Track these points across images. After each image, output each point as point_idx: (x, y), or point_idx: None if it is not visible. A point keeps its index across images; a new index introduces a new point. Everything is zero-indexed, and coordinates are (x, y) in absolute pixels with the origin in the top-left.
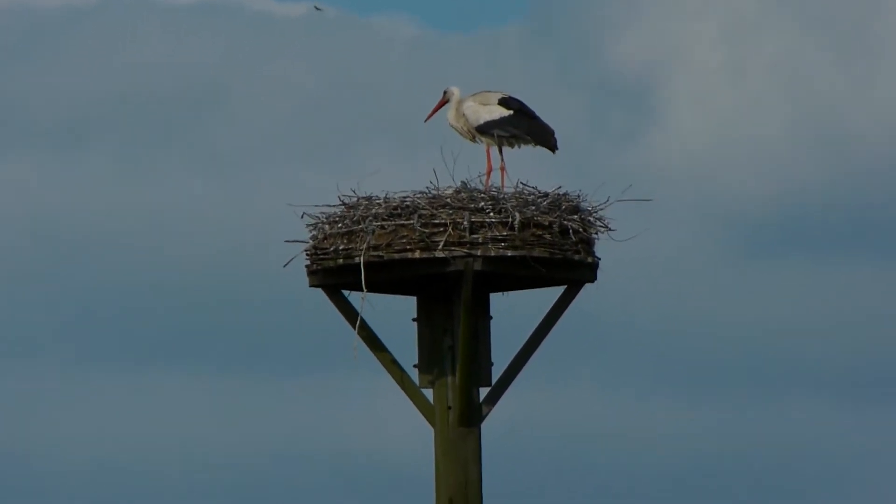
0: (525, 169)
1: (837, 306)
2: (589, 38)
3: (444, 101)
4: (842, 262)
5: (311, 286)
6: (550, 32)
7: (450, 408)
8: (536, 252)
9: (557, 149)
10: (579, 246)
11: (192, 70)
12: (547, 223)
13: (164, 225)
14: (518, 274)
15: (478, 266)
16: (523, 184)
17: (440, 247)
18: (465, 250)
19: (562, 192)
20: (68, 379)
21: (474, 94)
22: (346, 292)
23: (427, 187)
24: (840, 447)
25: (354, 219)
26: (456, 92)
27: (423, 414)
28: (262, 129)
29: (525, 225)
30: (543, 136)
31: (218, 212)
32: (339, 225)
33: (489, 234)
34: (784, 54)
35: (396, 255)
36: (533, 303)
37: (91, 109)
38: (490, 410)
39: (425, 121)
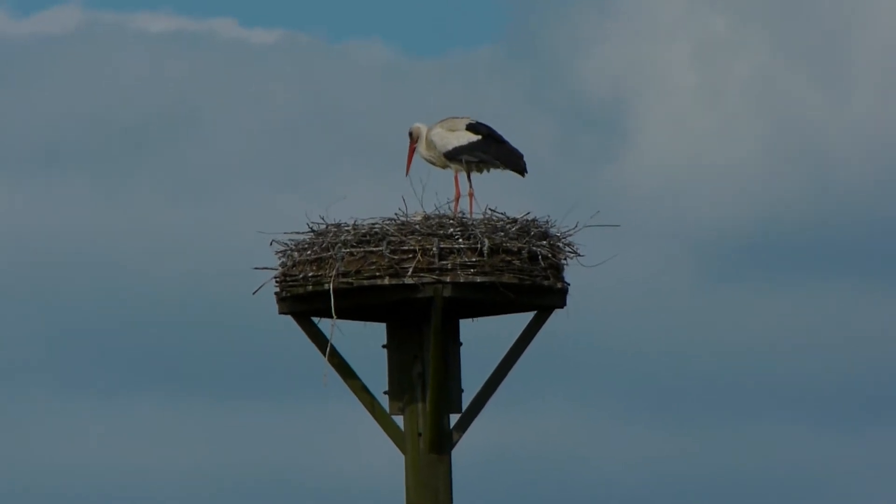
0: (494, 195)
1: (812, 328)
2: (560, 60)
3: (414, 143)
4: (817, 283)
5: (280, 313)
6: (522, 56)
7: (420, 434)
8: (506, 278)
9: (527, 172)
10: (548, 272)
11: (165, 96)
12: (516, 249)
13: (134, 251)
14: (487, 300)
15: (447, 292)
16: (492, 210)
17: (409, 273)
18: (435, 276)
19: (531, 217)
20: (35, 403)
21: (442, 121)
22: (315, 319)
23: (396, 214)
24: (815, 469)
25: (323, 245)
26: (422, 127)
27: (394, 441)
28: (234, 156)
29: (494, 251)
30: (512, 160)
31: (188, 238)
32: (309, 252)
33: (458, 261)
34: (757, 75)
35: (366, 282)
36: (503, 329)
37: (64, 134)
38: (461, 437)
39: (406, 174)
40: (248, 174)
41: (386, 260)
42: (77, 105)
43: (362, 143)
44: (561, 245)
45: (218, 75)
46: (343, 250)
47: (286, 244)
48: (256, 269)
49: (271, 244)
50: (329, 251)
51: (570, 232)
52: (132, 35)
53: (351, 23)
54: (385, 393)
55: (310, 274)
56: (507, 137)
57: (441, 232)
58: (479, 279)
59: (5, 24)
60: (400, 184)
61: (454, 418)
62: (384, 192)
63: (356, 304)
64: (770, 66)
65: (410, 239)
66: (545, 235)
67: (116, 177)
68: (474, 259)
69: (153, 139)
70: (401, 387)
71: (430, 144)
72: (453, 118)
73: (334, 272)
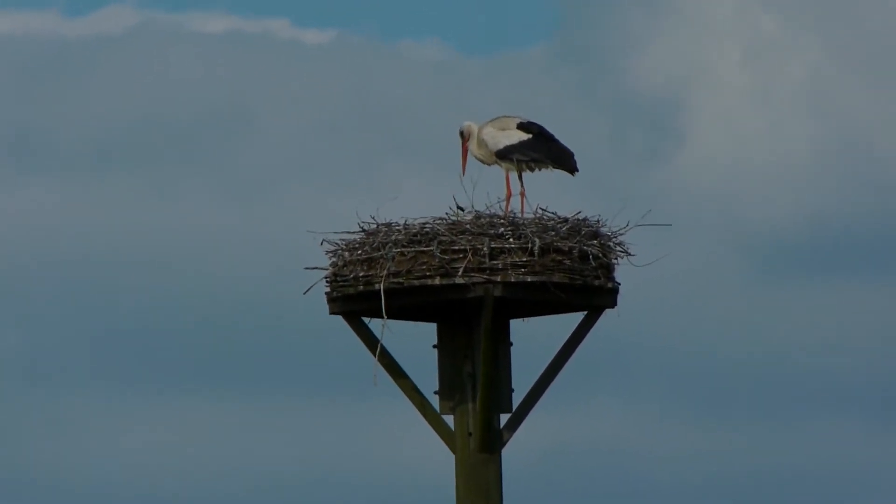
0: (545, 193)
1: (860, 329)
2: (612, 60)
3: (466, 142)
4: (865, 285)
5: (331, 313)
6: (574, 55)
7: (470, 434)
8: (556, 278)
9: (577, 171)
10: (599, 271)
11: (218, 96)
12: (567, 248)
13: (185, 251)
14: (538, 300)
15: (498, 292)
16: (543, 209)
17: (460, 273)
18: (485, 276)
19: (581, 217)
20: (83, 404)
21: (492, 120)
22: (366, 319)
23: (446, 213)
24: (864, 468)
25: (374, 245)
26: (473, 126)
27: (444, 440)
28: (286, 155)
29: (545, 250)
30: (563, 159)
31: (240, 237)
32: (359, 252)
33: (509, 260)
34: (808, 75)
35: (416, 282)
36: (553, 328)
37: (117, 134)
38: (511, 437)
39: (462, 174)
40: (299, 174)
41: (436, 260)
42: (130, 105)
43: (414, 143)
44: (612, 244)
45: (271, 75)
46: (394, 250)
47: (337, 244)
48: (307, 269)
49: (322, 244)
50: (380, 251)
51: (621, 231)
52: (186, 35)
53: (403, 22)
54: (435, 393)
55: (360, 274)
56: (558, 136)
57: (492, 231)
58: (529, 279)
59: (60, 23)
60: (451, 183)
61: (504, 418)
62: (435, 192)
63: (407, 304)
64: (821, 67)
65: (461, 238)
66: (596, 235)
67: (169, 177)
68: (525, 259)
69: (206, 139)
70: (451, 387)
71: (482, 143)
72: (504, 117)
73: (385, 272)
